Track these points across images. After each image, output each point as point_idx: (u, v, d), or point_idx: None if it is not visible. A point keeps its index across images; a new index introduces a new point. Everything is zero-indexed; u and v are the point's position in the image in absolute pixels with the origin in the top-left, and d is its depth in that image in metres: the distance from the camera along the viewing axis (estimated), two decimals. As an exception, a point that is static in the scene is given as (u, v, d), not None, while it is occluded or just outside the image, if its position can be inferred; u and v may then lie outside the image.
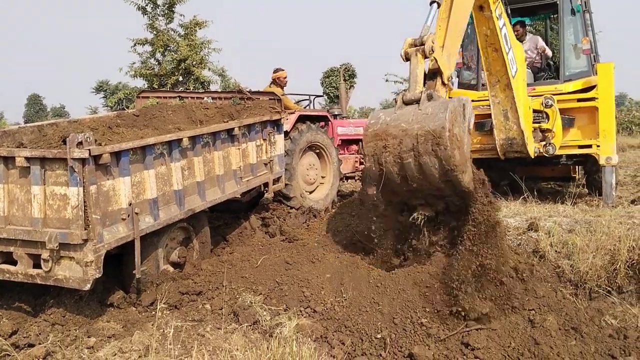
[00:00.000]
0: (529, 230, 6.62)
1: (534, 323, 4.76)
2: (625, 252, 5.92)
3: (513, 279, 5.26)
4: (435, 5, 5.66)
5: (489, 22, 6.98)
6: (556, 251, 6.21)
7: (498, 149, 8.36)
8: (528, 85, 9.09)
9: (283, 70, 9.74)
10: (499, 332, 4.69)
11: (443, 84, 5.56)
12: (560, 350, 4.56)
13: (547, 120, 8.46)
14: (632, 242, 5.97)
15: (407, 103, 5.31)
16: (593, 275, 5.90)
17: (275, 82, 9.67)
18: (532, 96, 8.61)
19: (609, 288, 5.89)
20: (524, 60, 8.15)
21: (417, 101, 5.21)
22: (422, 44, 5.37)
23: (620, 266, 5.90)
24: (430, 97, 5.17)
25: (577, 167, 10.60)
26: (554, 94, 8.61)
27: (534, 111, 8.48)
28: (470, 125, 5.21)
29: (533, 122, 8.51)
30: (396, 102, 5.43)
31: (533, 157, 8.44)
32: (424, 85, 5.44)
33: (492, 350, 4.51)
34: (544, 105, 8.41)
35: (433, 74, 5.57)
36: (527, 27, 10.32)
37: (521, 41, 9.69)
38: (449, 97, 5.71)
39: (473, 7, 6.70)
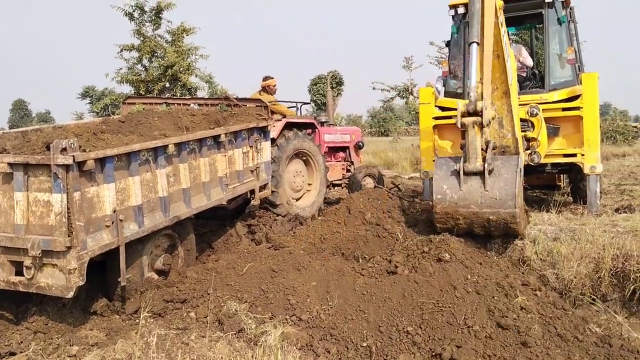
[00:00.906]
0: (514, 238, 6.66)
1: (520, 331, 4.77)
2: (610, 261, 5.97)
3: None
4: (474, 45, 6.05)
5: (494, 28, 7.03)
6: (541, 259, 6.25)
7: None
8: None
9: (272, 78, 9.77)
10: (483, 340, 4.70)
11: (488, 125, 6.16)
12: (544, 358, 4.58)
13: (532, 129, 8.52)
14: (616, 251, 6.03)
15: (467, 173, 5.97)
16: (578, 283, 5.95)
17: (265, 89, 9.69)
18: (519, 105, 8.67)
19: (593, 296, 5.94)
20: (515, 69, 8.22)
21: (478, 173, 5.93)
22: (476, 112, 5.86)
23: (604, 274, 5.95)
24: (490, 172, 5.88)
25: (562, 175, 10.68)
26: (539, 103, 8.67)
27: (520, 120, 8.54)
28: (522, 174, 6.13)
29: None
30: (458, 174, 6.05)
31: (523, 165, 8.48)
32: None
33: (476, 358, 4.52)
34: (529, 114, 8.48)
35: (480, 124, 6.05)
36: (511, 37, 10.41)
37: None
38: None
39: None
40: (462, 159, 6.16)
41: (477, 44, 6.11)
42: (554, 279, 6.02)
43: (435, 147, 9.58)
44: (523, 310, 5.00)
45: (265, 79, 9.75)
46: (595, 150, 8.58)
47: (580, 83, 8.89)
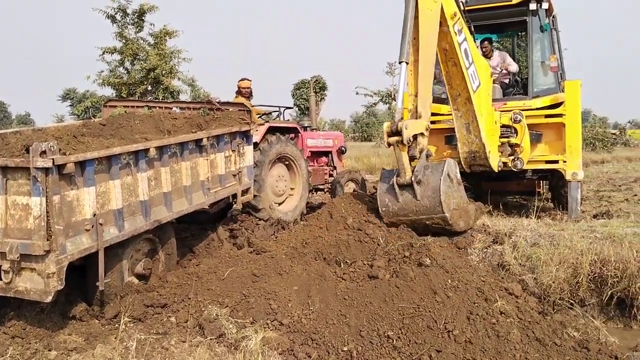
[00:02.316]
0: (494, 243, 6.72)
1: (499, 335, 4.81)
2: (588, 266, 6.04)
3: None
4: (404, 64, 6.36)
5: (447, 37, 7.13)
6: (520, 264, 6.31)
7: (462, 162, 8.49)
8: (497, 100, 9.25)
9: (245, 80, 9.68)
10: (463, 344, 4.73)
11: (424, 136, 6.60)
12: (523, 362, 4.63)
13: (515, 135, 8.61)
14: (594, 256, 6.11)
15: (401, 186, 6.50)
16: (556, 288, 6.01)
17: (239, 91, 9.63)
18: (502, 111, 8.76)
19: (571, 301, 6.01)
20: (489, 75, 8.28)
21: (410, 185, 6.42)
22: (398, 131, 6.28)
23: (582, 279, 6.03)
24: (419, 182, 6.35)
25: (542, 181, 10.80)
26: (522, 110, 8.76)
27: (504, 126, 8.62)
28: (459, 178, 6.65)
29: (502, 137, 8.64)
30: (393, 185, 6.58)
31: (497, 171, 8.57)
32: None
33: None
34: (512, 120, 8.56)
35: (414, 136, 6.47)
36: (494, 44, 10.53)
37: (489, 57, 9.88)
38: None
39: None
40: (395, 172, 6.63)
41: (406, 63, 6.41)
42: (533, 284, 6.08)
43: None
44: (502, 314, 5.05)
45: (240, 80, 9.69)
46: (577, 157, 8.69)
47: (563, 90, 9.00)
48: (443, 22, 7.00)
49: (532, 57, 9.51)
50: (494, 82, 9.76)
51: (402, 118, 6.38)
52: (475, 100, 7.63)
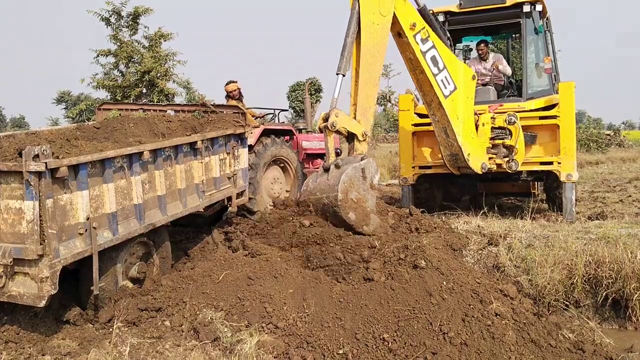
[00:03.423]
0: (489, 245, 6.72)
1: (495, 337, 4.82)
2: (582, 267, 6.06)
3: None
4: (340, 76, 6.50)
5: (408, 47, 7.17)
6: (515, 266, 6.32)
7: (447, 164, 8.53)
8: (492, 102, 9.26)
9: (231, 82, 9.67)
10: (458, 346, 4.73)
11: (359, 141, 6.62)
12: (519, 364, 4.63)
13: (510, 137, 8.62)
14: (588, 257, 6.13)
15: (325, 170, 6.50)
16: (551, 289, 6.03)
17: (229, 95, 9.62)
18: (498, 113, 8.76)
19: (566, 302, 6.03)
20: (470, 79, 8.24)
21: (329, 169, 6.42)
22: (327, 119, 6.46)
23: (577, 281, 6.05)
24: (337, 167, 6.34)
25: (536, 183, 10.82)
26: (517, 112, 8.77)
27: (498, 128, 8.62)
28: (374, 181, 6.51)
29: (497, 139, 8.64)
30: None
31: (480, 172, 8.56)
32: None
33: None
34: (507, 122, 8.56)
35: (351, 136, 6.64)
36: (489, 46, 10.54)
37: (485, 59, 9.91)
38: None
39: (392, 33, 7.04)
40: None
41: (343, 75, 6.53)
42: (528, 285, 6.09)
43: (414, 153, 9.63)
44: (497, 316, 5.05)
45: (227, 83, 9.68)
46: (572, 158, 8.71)
47: (557, 92, 9.02)
48: (402, 33, 7.06)
49: (526, 59, 9.54)
50: (487, 84, 9.79)
51: (334, 107, 6.53)
52: (447, 105, 7.68)
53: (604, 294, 6.01)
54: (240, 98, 9.62)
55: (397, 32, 7.10)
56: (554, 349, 4.85)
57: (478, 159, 8.44)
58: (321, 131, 6.74)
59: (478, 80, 9.63)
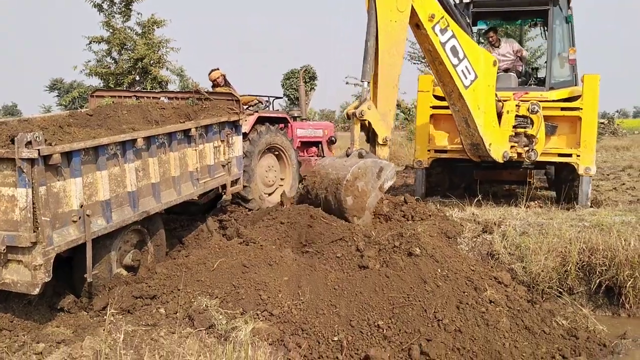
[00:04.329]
0: (484, 232, 6.74)
1: (489, 323, 4.84)
2: (576, 254, 6.09)
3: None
4: (365, 83, 6.45)
5: (427, 39, 7.03)
6: (510, 253, 6.34)
7: (467, 153, 8.43)
8: (515, 89, 9.12)
9: (213, 70, 9.55)
10: (453, 333, 4.75)
11: (379, 144, 6.59)
12: (512, 350, 4.66)
13: (531, 126, 8.50)
14: (582, 245, 6.15)
15: (347, 155, 6.57)
16: (545, 276, 6.06)
17: (214, 84, 9.54)
18: (522, 101, 8.64)
19: (560, 289, 6.05)
20: (491, 65, 8.04)
21: (351, 155, 6.46)
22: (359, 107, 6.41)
23: (571, 268, 6.07)
24: (361, 156, 6.41)
25: (533, 171, 10.77)
26: (540, 101, 8.66)
27: (521, 116, 8.50)
28: (385, 185, 6.41)
29: (519, 127, 8.51)
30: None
31: (502, 161, 8.43)
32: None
33: (446, 351, 4.57)
34: (530, 111, 8.44)
35: (372, 135, 6.61)
36: (499, 32, 10.38)
37: (497, 47, 9.79)
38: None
39: (410, 25, 6.86)
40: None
41: (368, 82, 6.44)
42: (522, 273, 6.12)
43: (430, 136, 9.51)
44: (492, 303, 5.07)
45: (210, 72, 9.57)
46: (591, 152, 8.63)
47: (577, 84, 8.94)
48: (420, 25, 6.92)
49: (551, 48, 9.30)
50: (508, 70, 9.66)
51: (367, 100, 6.46)
52: (468, 96, 7.52)
53: (598, 281, 6.04)
54: (226, 84, 9.54)
55: (415, 23, 6.94)
56: (548, 336, 4.89)
57: (500, 148, 8.29)
58: (349, 117, 6.65)
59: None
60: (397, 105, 30.86)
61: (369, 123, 6.47)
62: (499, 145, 8.30)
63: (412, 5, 6.63)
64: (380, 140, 6.56)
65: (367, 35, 6.39)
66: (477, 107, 7.73)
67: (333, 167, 6.42)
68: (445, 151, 9.39)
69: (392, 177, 6.51)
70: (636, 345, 5.24)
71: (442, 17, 7.05)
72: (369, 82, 6.42)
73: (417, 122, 9.74)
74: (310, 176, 6.64)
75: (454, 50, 7.25)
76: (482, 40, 10.54)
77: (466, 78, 7.49)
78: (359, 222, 6.20)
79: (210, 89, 9.46)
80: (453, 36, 7.20)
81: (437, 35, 7.00)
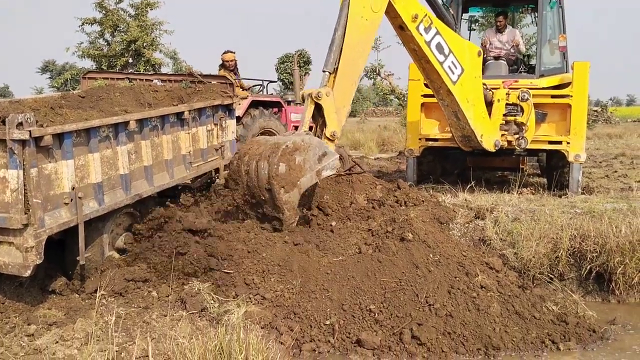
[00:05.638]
0: (476, 218, 6.76)
1: (480, 308, 4.87)
2: (567, 241, 6.11)
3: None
4: (326, 73, 6.12)
5: (412, 40, 6.94)
6: (501, 239, 6.36)
7: (459, 144, 8.43)
8: (503, 77, 9.10)
9: (229, 52, 9.54)
10: (444, 318, 4.78)
11: (327, 137, 6.08)
12: (503, 335, 4.70)
13: (522, 114, 8.49)
14: (573, 231, 6.18)
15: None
16: (536, 262, 6.08)
17: (223, 65, 9.51)
18: (512, 89, 8.62)
19: (551, 275, 6.09)
20: (476, 55, 7.98)
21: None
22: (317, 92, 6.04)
23: (562, 254, 6.10)
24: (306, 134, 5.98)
25: (526, 158, 10.78)
26: (529, 89, 8.64)
27: (511, 104, 8.48)
28: (323, 172, 5.85)
29: (509, 115, 8.50)
30: None
31: (493, 150, 8.44)
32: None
33: (437, 335, 4.61)
34: (520, 98, 8.41)
35: (322, 124, 6.15)
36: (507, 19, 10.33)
37: (502, 32, 9.74)
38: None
39: (394, 27, 6.74)
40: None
41: (329, 73, 6.11)
42: (514, 259, 6.14)
43: (421, 125, 9.49)
44: (483, 288, 5.10)
45: (224, 53, 9.55)
46: (581, 139, 8.63)
47: (568, 71, 8.91)
48: (404, 27, 6.81)
49: (541, 34, 9.28)
50: (499, 58, 9.62)
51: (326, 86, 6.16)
52: (456, 91, 7.46)
53: (588, 267, 6.07)
54: (235, 70, 9.50)
55: (399, 25, 6.77)
56: (538, 321, 4.92)
57: (491, 138, 8.26)
58: (303, 100, 6.36)
59: (491, 52, 9.43)
60: (392, 90, 30.95)
61: (322, 111, 6.10)
62: (490, 135, 8.29)
63: (394, 7, 6.46)
64: (328, 134, 6.12)
65: (337, 25, 6.16)
66: (466, 100, 7.70)
67: (278, 137, 6.37)
68: (436, 139, 9.38)
69: (333, 168, 6.04)
70: (625, 331, 5.28)
71: (425, 15, 6.96)
72: (330, 73, 6.15)
73: (408, 110, 9.72)
74: (247, 145, 6.18)
75: (439, 47, 7.17)
76: (474, 28, 10.49)
77: (453, 73, 7.42)
78: (283, 198, 5.63)
79: (217, 69, 9.43)
80: (437, 33, 7.08)
81: (421, 35, 6.86)
